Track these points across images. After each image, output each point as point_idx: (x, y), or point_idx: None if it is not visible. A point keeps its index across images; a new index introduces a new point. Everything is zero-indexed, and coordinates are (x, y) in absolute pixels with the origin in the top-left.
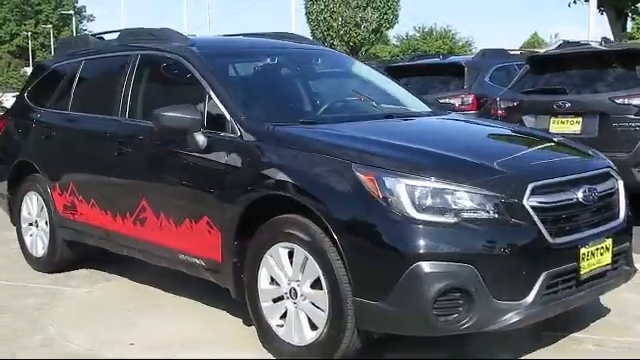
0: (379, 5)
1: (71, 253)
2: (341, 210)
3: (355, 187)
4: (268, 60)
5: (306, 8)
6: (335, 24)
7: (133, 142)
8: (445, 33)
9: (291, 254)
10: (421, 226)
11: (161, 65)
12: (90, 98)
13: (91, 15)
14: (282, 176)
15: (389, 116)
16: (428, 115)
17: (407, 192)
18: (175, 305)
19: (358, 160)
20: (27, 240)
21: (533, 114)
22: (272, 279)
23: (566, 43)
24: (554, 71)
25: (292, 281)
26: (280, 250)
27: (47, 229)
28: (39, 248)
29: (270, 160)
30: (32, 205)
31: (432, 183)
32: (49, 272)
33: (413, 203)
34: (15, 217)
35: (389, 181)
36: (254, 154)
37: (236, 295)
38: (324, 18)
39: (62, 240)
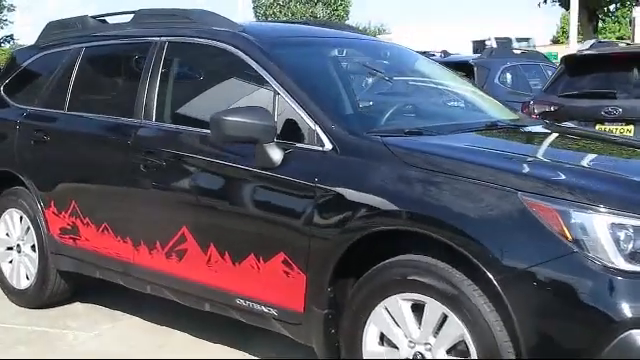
0: (330, 1)
1: (66, 286)
2: (509, 254)
3: (527, 224)
4: (336, 52)
5: (254, 2)
6: (284, 19)
7: (169, 153)
8: (378, 32)
9: (416, 308)
10: (633, 280)
11: (201, 55)
12: (96, 95)
13: (11, 5)
14: (410, 206)
15: (493, 125)
16: (531, 125)
17: (610, 233)
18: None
19: (527, 188)
20: (5, 268)
21: (575, 120)
22: (384, 338)
23: (598, 43)
24: (594, 73)
25: (418, 344)
26: (401, 302)
27: (34, 256)
28: (22, 278)
29: (385, 184)
30: (13, 225)
31: None
32: (35, 308)
33: (619, 248)
34: None
35: (582, 218)
36: (357, 174)
37: (324, 355)
38: (273, 12)
39: (56, 270)
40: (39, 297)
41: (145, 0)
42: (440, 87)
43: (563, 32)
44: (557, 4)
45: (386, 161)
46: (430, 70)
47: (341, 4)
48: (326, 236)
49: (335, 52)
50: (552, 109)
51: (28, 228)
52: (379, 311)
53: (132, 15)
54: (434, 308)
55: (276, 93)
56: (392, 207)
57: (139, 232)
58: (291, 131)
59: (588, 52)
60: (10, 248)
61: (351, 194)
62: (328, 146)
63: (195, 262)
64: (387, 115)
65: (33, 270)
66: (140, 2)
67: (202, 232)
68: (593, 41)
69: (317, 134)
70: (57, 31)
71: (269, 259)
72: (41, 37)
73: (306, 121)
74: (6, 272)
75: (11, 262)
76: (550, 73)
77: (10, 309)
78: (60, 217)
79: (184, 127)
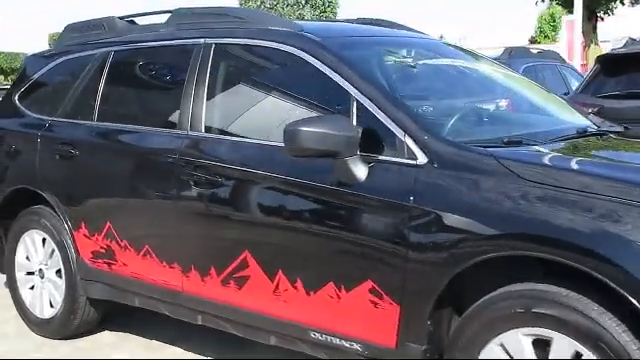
0: (318, 3)
1: (95, 314)
2: None
3: None
4: (405, 53)
5: (241, 4)
6: None
7: (225, 168)
8: None
9: (539, 343)
10: None
11: (256, 58)
12: (130, 104)
13: None
14: (535, 228)
15: (584, 131)
16: (616, 129)
17: None
18: None
19: None
20: (25, 294)
21: (619, 121)
22: None
23: (632, 41)
24: (632, 72)
25: None
26: (521, 338)
27: (60, 282)
28: (45, 306)
29: (499, 203)
30: (34, 248)
31: None
32: (61, 339)
33: None
34: (6, 262)
35: None
36: (463, 192)
37: None
38: None
39: (85, 298)
40: (66, 327)
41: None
42: (513, 89)
43: (540, 32)
44: (554, 3)
45: (498, 177)
46: (496, 71)
47: (329, 6)
48: (427, 263)
49: (404, 52)
50: (591, 110)
51: (52, 251)
52: (493, 348)
53: (168, 15)
54: (564, 345)
55: (353, 99)
56: (512, 230)
57: (189, 256)
58: (373, 142)
59: (623, 51)
60: (31, 273)
61: (457, 215)
62: (422, 159)
63: (259, 291)
64: (480, 123)
65: (59, 298)
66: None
67: (268, 257)
68: (626, 39)
69: (407, 145)
70: (78, 34)
71: (353, 288)
72: (60, 41)
73: (392, 131)
74: (26, 300)
75: (32, 288)
76: (566, 73)
77: (32, 340)
78: (92, 240)
79: (242, 139)
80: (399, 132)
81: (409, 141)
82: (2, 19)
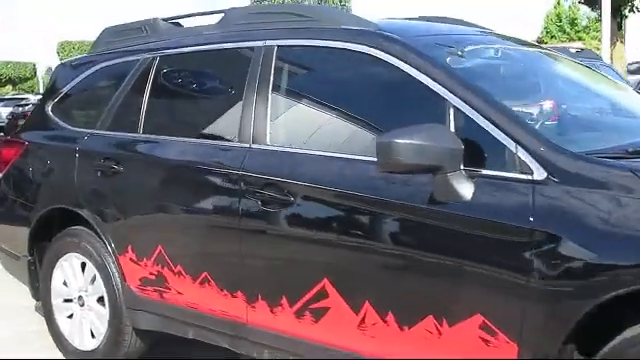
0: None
1: (142, 345)
2: None
3: None
4: (492, 54)
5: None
6: None
7: (298, 186)
8: None
9: None
10: None
11: (329, 61)
12: (180, 114)
13: None
14: None
15: None
16: None
17: None
18: None
19: None
20: (62, 323)
21: None
22: None
23: None
24: None
25: None
26: None
27: (104, 310)
28: (86, 337)
29: None
30: (73, 273)
31: None
32: None
33: None
34: (41, 289)
35: None
36: (597, 213)
37: None
38: None
39: (132, 328)
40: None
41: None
42: (602, 91)
43: (547, 32)
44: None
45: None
46: (578, 70)
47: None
48: (555, 296)
49: (491, 53)
50: None
51: (94, 277)
52: None
53: (218, 16)
54: None
55: (449, 106)
56: None
57: (255, 285)
58: (476, 155)
59: None
60: (69, 300)
61: (592, 239)
62: (540, 174)
63: (341, 324)
64: (586, 128)
65: (102, 328)
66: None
67: (352, 286)
68: None
69: (519, 158)
70: (117, 38)
71: (458, 322)
72: (96, 46)
73: (500, 141)
74: (64, 329)
75: (71, 317)
76: (606, 72)
77: None
78: (140, 265)
79: (318, 152)
80: (509, 143)
81: (522, 153)
82: (8, 27)
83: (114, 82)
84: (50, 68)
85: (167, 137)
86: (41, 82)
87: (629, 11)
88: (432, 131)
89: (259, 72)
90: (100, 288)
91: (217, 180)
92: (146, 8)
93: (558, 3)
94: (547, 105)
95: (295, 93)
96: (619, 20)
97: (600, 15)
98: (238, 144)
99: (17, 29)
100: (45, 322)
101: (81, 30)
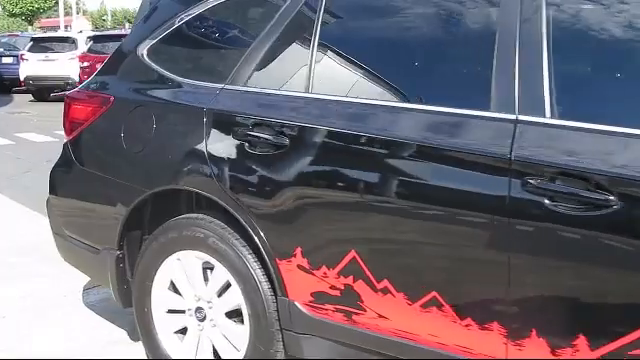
0: None
1: None
2: None
3: None
4: None
5: None
6: None
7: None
8: None
9: None
10: None
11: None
12: (379, 69)
13: None
14: None
15: None
16: None
17: None
18: None
19: None
20: (167, 342)
21: None
22: None
23: None
24: None
25: None
26: None
27: (242, 329)
28: None
29: None
30: (190, 277)
31: None
32: None
33: None
34: (135, 293)
35: None
36: None
37: None
38: None
39: (284, 353)
40: None
41: None
42: None
43: None
44: None
45: None
46: None
47: None
48: None
49: None
50: None
51: (226, 285)
52: None
53: None
54: None
55: None
56: None
57: (527, 315)
58: None
59: None
60: (179, 311)
61: None
62: None
63: None
64: None
65: (232, 351)
66: None
67: None
68: None
69: None
70: None
71: None
72: None
73: None
74: (170, 350)
75: (183, 333)
76: None
77: None
78: (315, 275)
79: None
80: None
81: None
82: None
83: (254, 17)
84: None
85: (367, 100)
86: None
87: None
88: None
89: (521, 10)
90: (235, 300)
91: (464, 164)
92: None
93: None
94: None
95: (583, 53)
96: None
97: None
98: (496, 114)
99: None
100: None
101: None
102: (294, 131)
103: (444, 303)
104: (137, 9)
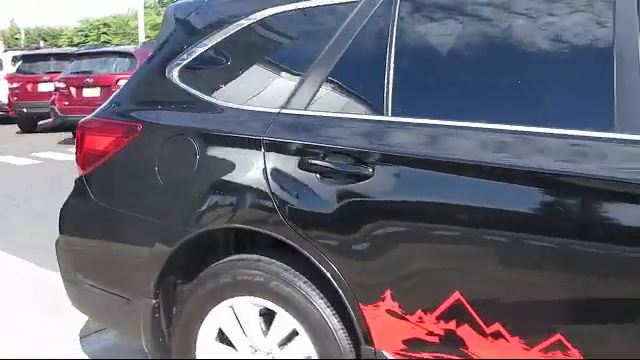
0: None
1: None
2: None
3: None
4: None
5: None
6: None
7: None
8: None
9: None
10: None
11: None
12: (473, 86)
13: None
14: None
15: None
16: None
17: None
18: None
19: None
20: None
21: None
22: None
23: None
24: None
25: None
26: None
27: None
28: None
29: None
30: (244, 325)
31: None
32: None
33: None
34: (175, 346)
35: None
36: None
37: None
38: None
39: None
40: None
41: None
42: None
43: None
44: None
45: None
46: None
47: None
48: None
49: None
50: None
51: (291, 334)
52: None
53: None
54: None
55: None
56: None
57: None
58: None
59: None
60: None
61: None
62: None
63: None
64: None
65: None
66: None
67: None
68: None
69: None
70: None
71: None
72: None
73: None
74: None
75: None
76: None
77: None
78: (409, 320)
79: None
80: None
81: None
82: None
83: (308, 35)
84: None
85: (455, 122)
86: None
87: None
88: None
89: None
90: (304, 350)
91: (601, 195)
92: None
93: None
94: None
95: None
96: None
97: None
98: (616, 135)
99: None
100: None
101: None
102: (379, 160)
103: (570, 347)
104: (50, 27)
